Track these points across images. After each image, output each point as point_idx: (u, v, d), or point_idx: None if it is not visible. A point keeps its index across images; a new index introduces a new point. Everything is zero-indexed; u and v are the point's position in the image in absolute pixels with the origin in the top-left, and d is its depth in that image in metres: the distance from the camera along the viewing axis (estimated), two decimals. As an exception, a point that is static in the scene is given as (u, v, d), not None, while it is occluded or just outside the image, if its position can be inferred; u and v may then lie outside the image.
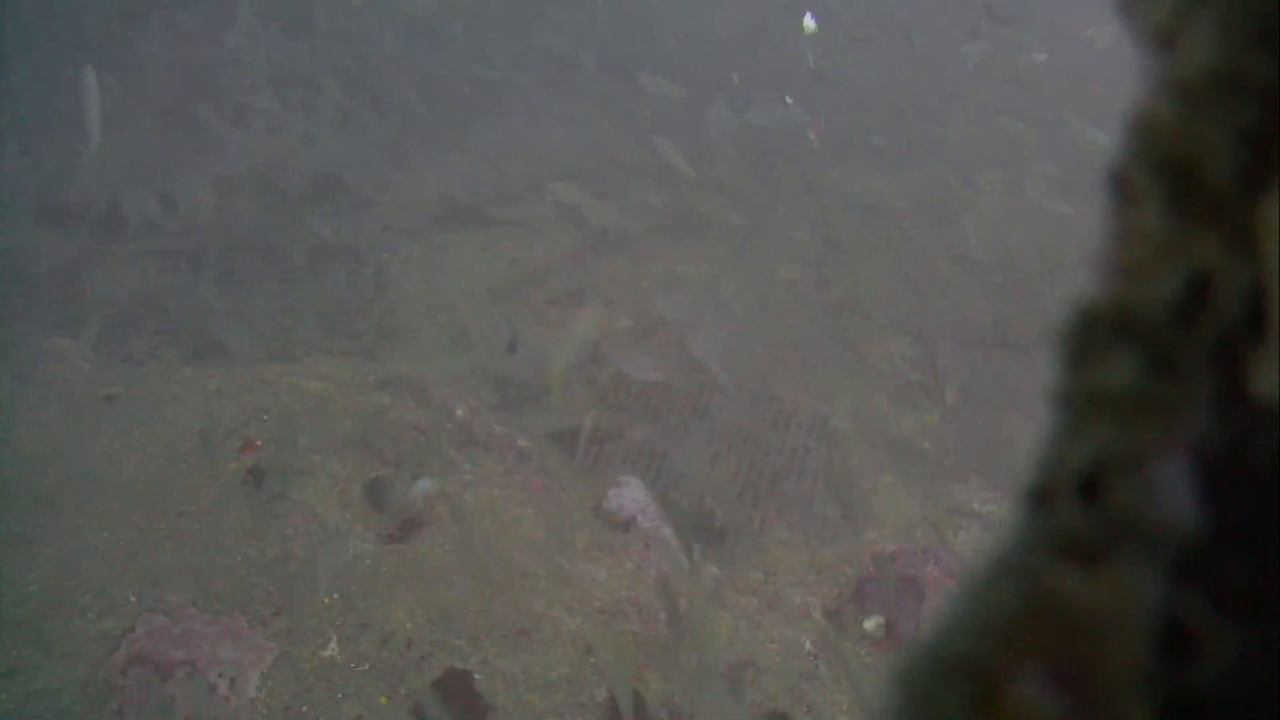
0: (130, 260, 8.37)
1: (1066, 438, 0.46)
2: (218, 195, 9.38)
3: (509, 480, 5.69)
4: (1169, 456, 0.44)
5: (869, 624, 5.23)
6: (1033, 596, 0.42)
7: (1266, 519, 0.43)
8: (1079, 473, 0.44)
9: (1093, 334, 0.46)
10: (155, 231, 8.68)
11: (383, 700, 4.51)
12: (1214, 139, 0.47)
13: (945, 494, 6.53)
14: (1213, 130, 0.47)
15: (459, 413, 6.20)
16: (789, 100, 9.87)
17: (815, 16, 10.76)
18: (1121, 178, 0.48)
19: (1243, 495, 0.43)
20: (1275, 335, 0.44)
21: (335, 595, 4.88)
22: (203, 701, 4.26)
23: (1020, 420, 7.08)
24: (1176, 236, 0.46)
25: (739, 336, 7.87)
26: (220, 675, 4.45)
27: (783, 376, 7.58)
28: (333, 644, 4.68)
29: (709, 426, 7.14)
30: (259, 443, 5.58)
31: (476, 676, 4.59)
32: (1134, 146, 0.48)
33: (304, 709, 4.47)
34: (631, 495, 5.64)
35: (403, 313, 7.95)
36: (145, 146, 9.94)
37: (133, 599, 4.77)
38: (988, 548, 0.45)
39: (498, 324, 7.41)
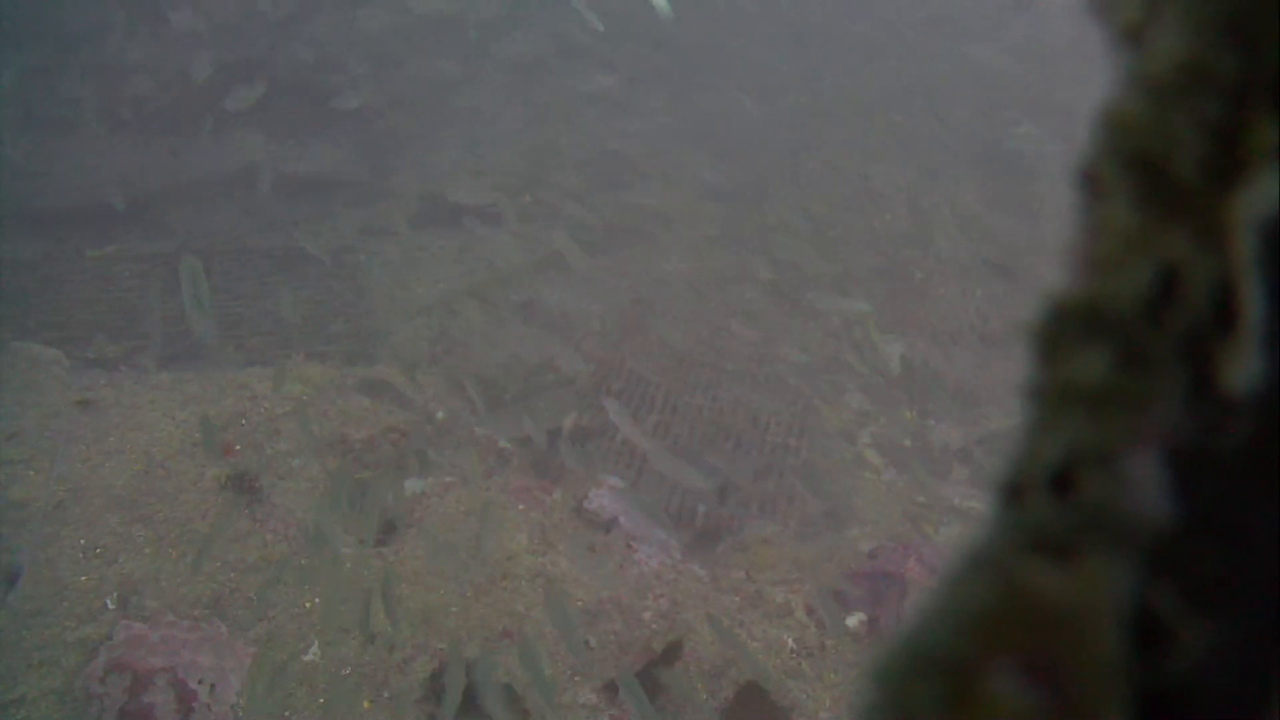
0: (106, 265, 8.30)
1: (1039, 432, 0.46)
2: (194, 198, 9.32)
3: (490, 482, 5.68)
4: (1140, 450, 0.44)
5: (851, 621, 5.25)
6: (1006, 591, 0.42)
7: (1236, 510, 0.44)
8: (1051, 467, 0.44)
9: (1064, 328, 0.47)
10: (131, 235, 8.62)
11: (365, 705, 4.49)
12: (1182, 134, 0.47)
13: (926, 489, 6.56)
14: (1180, 125, 0.47)
15: (439, 415, 6.18)
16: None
17: None
18: (1091, 173, 0.49)
19: (1213, 487, 0.44)
20: (1243, 328, 0.44)
21: (317, 599, 4.86)
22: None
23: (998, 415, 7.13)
24: (1146, 231, 0.47)
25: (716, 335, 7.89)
26: (200, 682, 4.41)
27: (759, 374, 7.60)
28: (314, 649, 4.66)
29: (689, 426, 7.14)
30: (237, 447, 5.55)
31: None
32: (1103, 142, 0.49)
33: (285, 715, 4.44)
34: (612, 495, 5.64)
35: (381, 315, 7.92)
36: (120, 150, 9.86)
37: (111, 606, 4.73)
38: (964, 543, 0.45)
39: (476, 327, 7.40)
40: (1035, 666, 0.40)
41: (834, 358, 8.15)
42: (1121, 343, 0.45)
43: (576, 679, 4.68)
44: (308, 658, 4.63)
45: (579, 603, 4.98)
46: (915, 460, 6.63)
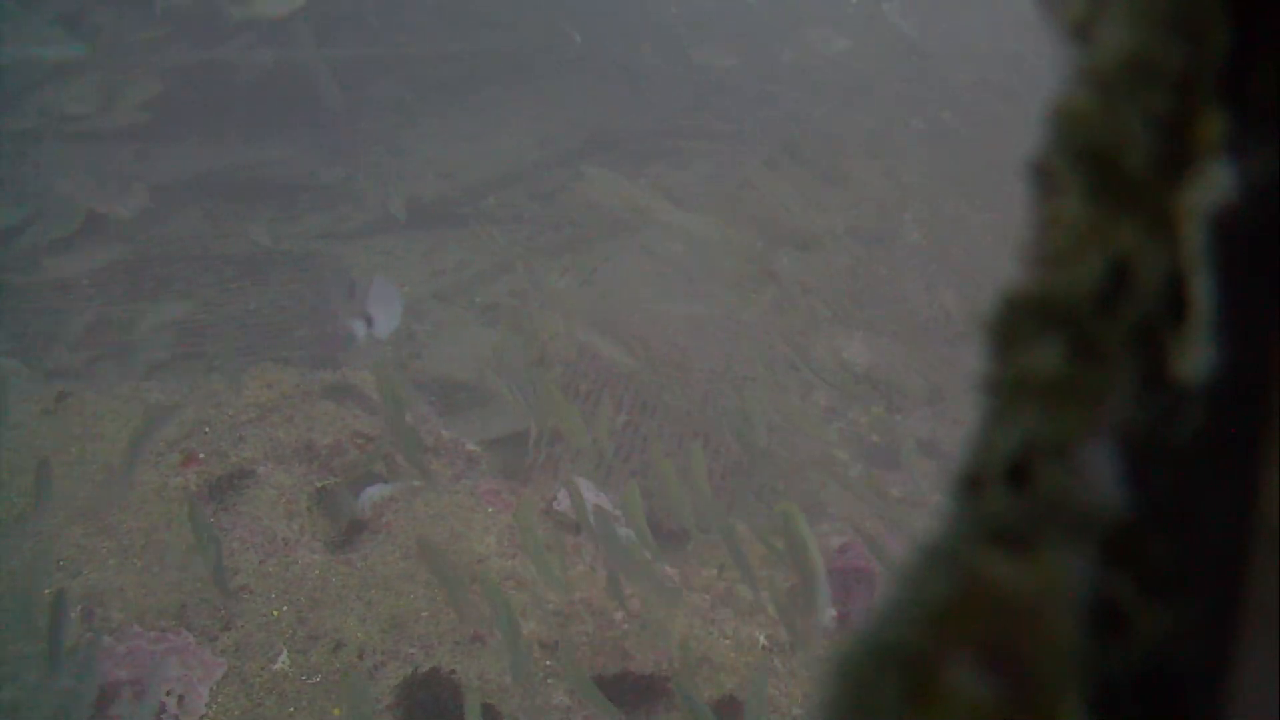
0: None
1: (994, 425, 0.46)
2: (154, 202, 9.21)
3: (458, 485, 5.65)
4: (1095, 440, 0.44)
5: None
6: (964, 583, 0.42)
7: (1190, 498, 0.44)
8: (1007, 459, 0.45)
9: (1018, 322, 0.47)
10: (89, 242, 8.50)
11: (335, 712, 4.45)
12: (1131, 127, 0.48)
13: (895, 484, 6.60)
14: (1129, 119, 0.48)
15: (405, 419, 6.14)
16: None
17: None
18: (1042, 167, 0.49)
19: (1166, 476, 0.44)
20: (1194, 318, 0.45)
21: (285, 607, 4.82)
22: None
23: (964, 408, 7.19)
24: (1097, 223, 0.47)
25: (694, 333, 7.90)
26: (168, 693, 4.36)
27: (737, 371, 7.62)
28: (283, 657, 4.61)
29: (658, 423, 7.15)
30: (201, 455, 5.48)
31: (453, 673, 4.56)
32: (1054, 136, 0.49)
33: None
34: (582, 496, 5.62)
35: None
36: (80, 156, 9.73)
37: (75, 619, 4.66)
38: (923, 536, 0.46)
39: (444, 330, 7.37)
40: (994, 657, 0.41)
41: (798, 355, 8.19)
42: (1075, 335, 0.46)
43: (549, 681, 4.66)
44: (277, 666, 4.58)
45: (549, 604, 4.96)
46: (878, 455, 6.68)
